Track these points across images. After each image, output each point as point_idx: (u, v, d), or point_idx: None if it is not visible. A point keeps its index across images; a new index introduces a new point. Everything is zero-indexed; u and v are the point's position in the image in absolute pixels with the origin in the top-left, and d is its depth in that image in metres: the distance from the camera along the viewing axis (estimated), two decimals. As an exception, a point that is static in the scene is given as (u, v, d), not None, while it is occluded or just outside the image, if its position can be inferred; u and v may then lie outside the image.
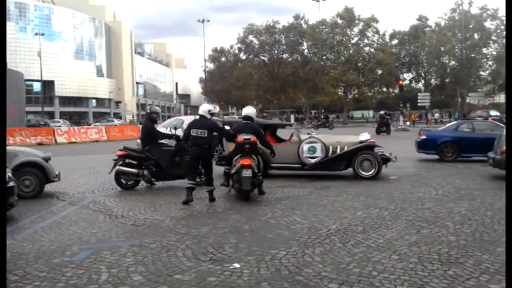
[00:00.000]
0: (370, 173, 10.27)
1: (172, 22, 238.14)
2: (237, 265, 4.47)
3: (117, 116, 72.21)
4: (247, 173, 7.72)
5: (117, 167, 9.27)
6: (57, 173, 8.99)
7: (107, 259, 4.75)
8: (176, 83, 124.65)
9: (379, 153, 10.60)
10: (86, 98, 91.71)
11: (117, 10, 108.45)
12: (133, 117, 74.45)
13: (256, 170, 7.89)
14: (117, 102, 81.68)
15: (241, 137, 8.07)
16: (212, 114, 8.53)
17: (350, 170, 10.53)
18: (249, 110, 8.86)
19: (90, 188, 9.61)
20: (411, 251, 4.85)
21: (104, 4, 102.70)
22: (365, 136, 10.93)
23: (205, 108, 8.44)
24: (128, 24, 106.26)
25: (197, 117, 8.52)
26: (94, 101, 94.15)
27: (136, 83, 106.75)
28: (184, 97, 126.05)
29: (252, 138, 8.06)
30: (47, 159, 9.02)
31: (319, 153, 10.59)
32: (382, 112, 36.46)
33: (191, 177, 7.95)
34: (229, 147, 10.71)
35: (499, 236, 5.35)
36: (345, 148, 10.59)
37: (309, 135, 10.99)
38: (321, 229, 5.82)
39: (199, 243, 5.28)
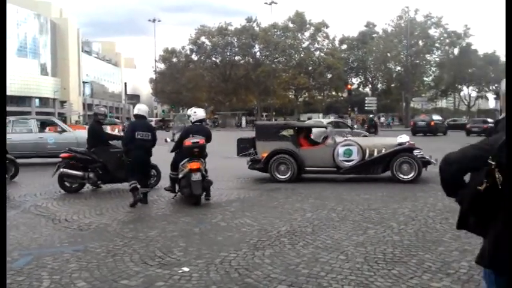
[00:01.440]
0: (410, 176, 9.91)
1: (121, 20, 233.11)
2: (186, 269, 4.40)
3: (62, 116, 69.58)
4: (196, 176, 7.52)
5: (61, 170, 8.93)
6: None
7: (49, 265, 4.55)
8: (125, 83, 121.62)
9: (419, 156, 10.28)
10: (29, 97, 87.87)
11: (63, 7, 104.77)
12: (79, 117, 72.03)
13: (204, 173, 7.75)
14: (62, 102, 78.75)
15: (189, 141, 7.83)
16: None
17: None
18: (202, 113, 8.68)
19: (32, 191, 9.20)
20: (358, 251, 4.96)
21: (50, 0, 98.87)
22: (404, 138, 10.63)
23: (145, 108, 8.31)
24: (74, 21, 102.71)
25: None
26: (37, 100, 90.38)
27: (83, 82, 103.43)
28: (134, 97, 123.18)
29: (201, 141, 7.88)
30: None
31: (355, 157, 10.28)
32: (371, 116, 44.12)
33: (134, 178, 7.62)
34: (262, 150, 10.55)
35: (441, 236, 5.57)
36: (383, 151, 10.29)
37: (345, 138, 10.73)
38: (271, 231, 5.85)
39: (147, 247, 5.16)
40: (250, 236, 5.60)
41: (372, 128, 37.91)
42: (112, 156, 9.11)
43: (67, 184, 9.03)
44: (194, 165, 7.58)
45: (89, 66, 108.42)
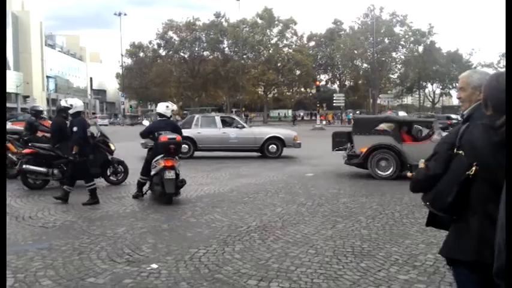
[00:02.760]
0: None
1: (86, 14, 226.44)
2: (154, 266, 4.34)
3: (25, 111, 67.42)
4: (170, 174, 7.20)
5: (23, 166, 8.65)
6: None
7: (13, 264, 4.41)
8: (91, 78, 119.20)
9: None
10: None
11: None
12: (42, 113, 70.01)
13: (178, 171, 7.48)
14: (25, 97, 76.40)
15: (165, 137, 7.46)
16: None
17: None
18: (161, 107, 8.29)
19: (-6, 188, 8.89)
20: (327, 245, 5.01)
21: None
22: None
23: (82, 103, 8.16)
24: (37, 14, 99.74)
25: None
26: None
27: (47, 76, 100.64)
28: (100, 93, 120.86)
29: (178, 137, 7.58)
30: None
31: None
32: (358, 112, 47.96)
33: (90, 179, 7.52)
34: (360, 145, 10.03)
35: (407, 229, 5.70)
36: None
37: None
38: (241, 226, 5.84)
39: (115, 244, 5.07)
40: (220, 232, 5.58)
41: None
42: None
43: (30, 181, 8.77)
44: (169, 162, 7.27)
45: (53, 60, 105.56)
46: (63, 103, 8.11)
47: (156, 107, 12.25)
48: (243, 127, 15.43)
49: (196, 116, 15.90)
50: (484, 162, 1.95)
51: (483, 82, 2.51)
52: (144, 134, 8.38)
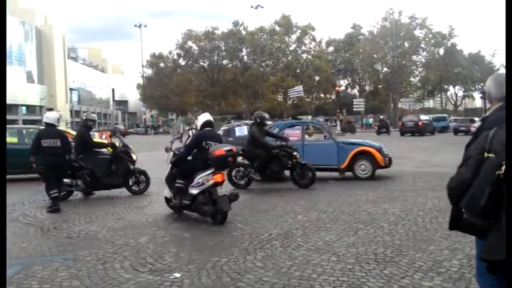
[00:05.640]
0: None
1: (107, 26, 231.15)
2: (177, 274, 4.37)
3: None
4: (222, 191, 6.57)
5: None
6: None
7: (39, 274, 4.49)
8: (113, 89, 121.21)
9: None
10: (15, 105, 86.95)
11: (48, 14, 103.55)
12: (66, 124, 71.44)
13: None
14: (50, 110, 78.00)
15: (221, 150, 6.64)
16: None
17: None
18: (208, 116, 7.63)
19: (20, 199, 9.07)
20: (349, 252, 4.96)
21: (34, 7, 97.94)
22: None
23: (53, 116, 8.42)
24: (60, 28, 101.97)
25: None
26: (24, 108, 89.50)
27: (70, 89, 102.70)
28: (122, 103, 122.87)
29: (233, 148, 6.93)
30: None
31: None
32: (382, 116, 48.83)
33: (51, 187, 7.93)
34: None
35: (431, 235, 5.60)
36: None
37: None
38: (262, 234, 5.83)
39: (138, 253, 5.12)
40: (241, 240, 5.58)
41: (383, 128, 40.10)
42: (100, 163, 9.03)
43: None
44: (220, 177, 6.55)
45: (76, 72, 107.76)
46: (44, 119, 8.58)
47: (176, 116, 12.10)
48: None
49: None
50: None
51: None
52: (186, 154, 7.18)
